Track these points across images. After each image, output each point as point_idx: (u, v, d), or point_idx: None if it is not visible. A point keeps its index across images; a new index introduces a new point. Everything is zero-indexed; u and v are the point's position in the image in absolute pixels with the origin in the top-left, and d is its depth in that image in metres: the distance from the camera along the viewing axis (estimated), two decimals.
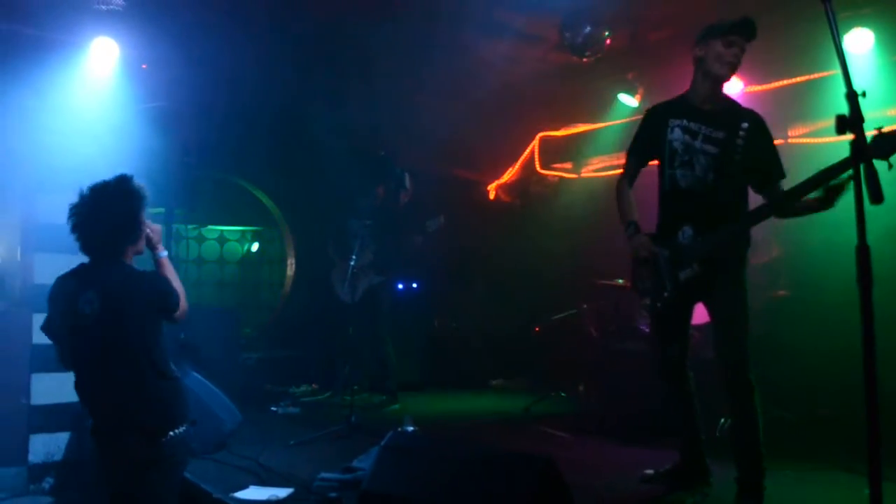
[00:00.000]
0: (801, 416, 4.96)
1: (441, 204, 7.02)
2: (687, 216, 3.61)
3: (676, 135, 3.65)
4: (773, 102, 6.18)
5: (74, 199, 2.98)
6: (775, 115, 6.20)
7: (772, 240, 5.39)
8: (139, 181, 3.07)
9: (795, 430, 4.82)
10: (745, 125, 3.54)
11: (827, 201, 3.24)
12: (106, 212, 2.95)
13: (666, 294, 3.65)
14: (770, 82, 6.26)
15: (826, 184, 3.15)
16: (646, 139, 3.84)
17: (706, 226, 3.54)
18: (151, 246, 3.17)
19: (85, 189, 2.97)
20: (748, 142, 3.52)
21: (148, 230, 3.11)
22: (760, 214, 3.49)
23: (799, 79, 6.04)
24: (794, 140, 6.15)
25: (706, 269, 3.53)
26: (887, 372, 2.69)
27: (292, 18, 6.05)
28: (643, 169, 3.93)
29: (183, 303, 3.09)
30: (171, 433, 2.93)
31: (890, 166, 2.79)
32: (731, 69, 3.56)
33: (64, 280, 3.00)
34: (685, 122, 3.65)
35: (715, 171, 3.56)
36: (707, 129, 3.60)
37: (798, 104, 6.05)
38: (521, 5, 5.84)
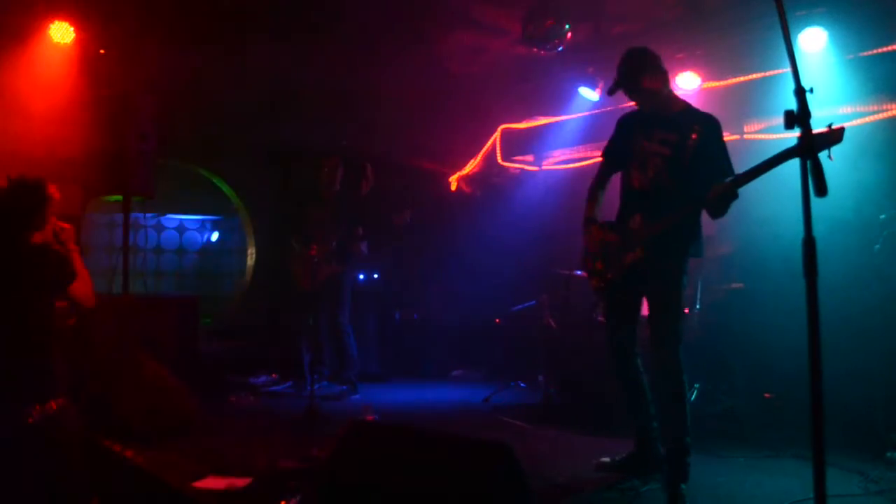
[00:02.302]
0: (753, 405, 5.08)
1: (402, 194, 7.02)
2: (638, 209, 3.81)
3: (637, 139, 3.87)
4: (729, 99, 6.29)
5: None
6: (731, 111, 6.35)
7: (725, 234, 5.50)
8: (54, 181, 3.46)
9: (747, 418, 4.94)
10: (699, 128, 3.70)
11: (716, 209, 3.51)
12: (17, 202, 3.30)
13: (610, 275, 3.88)
14: (727, 79, 6.37)
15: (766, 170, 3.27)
16: (614, 147, 4.09)
17: (653, 216, 3.73)
18: (60, 241, 3.49)
19: (2, 182, 3.34)
20: (700, 144, 3.67)
21: (56, 227, 3.47)
22: (696, 204, 3.61)
23: (755, 76, 6.16)
24: (749, 136, 6.28)
25: (649, 256, 3.71)
26: (834, 362, 2.78)
27: (253, 7, 6.02)
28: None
29: (84, 288, 3.40)
30: (43, 407, 3.08)
31: (830, 158, 2.85)
32: (635, 96, 3.90)
33: None
34: (644, 126, 3.86)
35: (667, 172, 3.73)
36: (661, 131, 3.78)
37: (753, 101, 6.17)
38: None
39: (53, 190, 3.42)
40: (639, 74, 3.83)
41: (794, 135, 2.23)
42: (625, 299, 3.96)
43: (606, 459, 4.09)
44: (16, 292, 3.16)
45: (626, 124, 4.03)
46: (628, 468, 3.98)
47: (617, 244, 3.85)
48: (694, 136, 3.68)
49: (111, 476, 3.98)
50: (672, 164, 3.72)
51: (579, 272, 5.75)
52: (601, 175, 4.13)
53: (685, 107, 3.89)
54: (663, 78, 3.85)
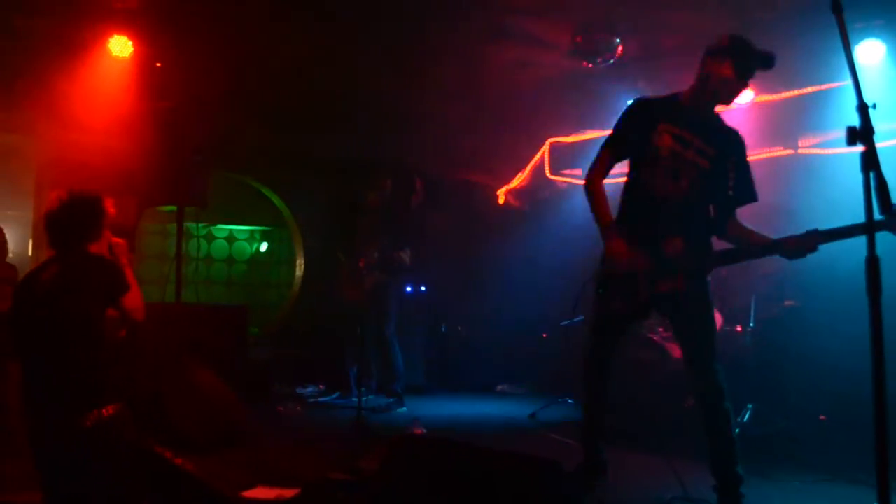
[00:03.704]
0: (808, 427, 4.96)
1: (450, 207, 7.04)
2: (670, 227, 3.54)
3: (665, 140, 3.54)
4: (783, 112, 6.19)
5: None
6: (786, 125, 6.25)
7: None
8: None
9: (802, 440, 4.82)
10: (733, 144, 3.56)
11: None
12: (75, 215, 3.37)
13: (640, 301, 3.60)
14: (780, 92, 6.27)
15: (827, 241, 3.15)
16: (628, 135, 3.70)
17: (686, 235, 3.52)
18: (113, 255, 3.57)
19: (63, 195, 3.40)
20: (735, 162, 3.54)
21: (111, 242, 3.56)
22: (773, 248, 3.40)
23: (810, 89, 6.05)
24: (803, 150, 6.15)
25: (688, 283, 3.52)
26: (893, 382, 2.70)
27: (301, 21, 6.10)
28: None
29: (135, 301, 3.44)
30: (99, 412, 3.13)
31: None
32: (733, 99, 3.52)
33: (36, 268, 3.41)
34: (676, 129, 3.54)
35: (701, 186, 3.51)
36: (699, 141, 3.51)
37: (809, 114, 6.05)
38: (532, 10, 5.87)
39: (110, 205, 3.53)
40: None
41: (852, 150, 2.18)
42: (627, 322, 3.82)
43: None
44: (72, 300, 3.24)
45: (646, 116, 3.64)
46: (586, 475, 3.90)
47: (646, 268, 3.53)
48: (734, 154, 3.53)
49: (162, 483, 4.04)
50: (707, 179, 3.49)
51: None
52: (606, 168, 3.76)
53: (717, 116, 3.63)
54: None
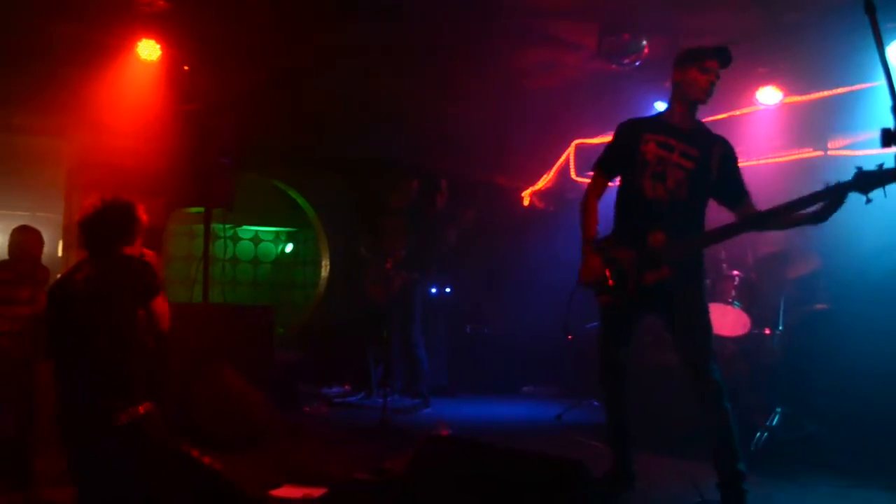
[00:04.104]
0: (838, 431, 4.90)
1: (475, 209, 7.03)
2: (655, 224, 3.67)
3: (651, 147, 3.74)
4: (812, 114, 6.13)
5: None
6: (815, 127, 6.17)
7: (810, 252, 5.33)
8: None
9: (833, 444, 4.76)
10: (717, 149, 3.73)
11: (820, 217, 3.35)
12: (109, 222, 3.46)
13: (627, 293, 3.72)
14: (810, 93, 6.20)
15: (818, 202, 3.27)
16: (618, 153, 3.90)
17: (676, 233, 3.64)
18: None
19: (97, 202, 3.48)
20: (720, 164, 3.71)
21: (141, 252, 3.62)
22: (739, 228, 3.69)
23: (840, 90, 5.97)
24: (833, 152, 6.08)
25: (677, 275, 3.61)
26: None
27: (329, 27, 6.13)
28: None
29: (162, 307, 3.50)
30: (131, 410, 3.19)
31: (868, 201, 3.02)
32: (707, 94, 3.70)
33: (70, 269, 3.50)
34: (661, 137, 3.74)
35: (688, 186, 3.68)
36: (683, 145, 3.71)
37: (839, 115, 5.98)
38: (559, 12, 5.85)
39: (142, 211, 3.57)
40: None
41: (884, 151, 2.16)
42: (628, 319, 3.90)
43: None
44: (106, 301, 3.29)
45: (632, 131, 3.85)
46: (612, 484, 3.94)
47: (632, 261, 3.68)
48: (717, 153, 3.70)
49: (190, 481, 4.08)
50: (693, 179, 3.67)
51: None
52: (601, 187, 3.95)
53: (702, 124, 3.85)
54: None
